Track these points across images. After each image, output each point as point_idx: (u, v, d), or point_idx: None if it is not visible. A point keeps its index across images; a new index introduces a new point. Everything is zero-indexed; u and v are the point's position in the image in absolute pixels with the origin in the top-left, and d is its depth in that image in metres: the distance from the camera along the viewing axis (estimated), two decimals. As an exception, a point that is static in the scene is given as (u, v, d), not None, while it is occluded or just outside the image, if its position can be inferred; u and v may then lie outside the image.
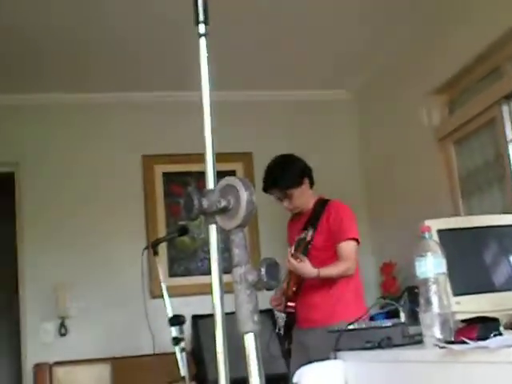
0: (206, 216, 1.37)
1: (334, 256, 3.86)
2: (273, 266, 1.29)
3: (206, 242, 1.42)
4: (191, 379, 4.44)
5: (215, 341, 1.38)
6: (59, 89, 5.55)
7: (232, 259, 1.33)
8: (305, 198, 4.01)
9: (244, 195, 1.29)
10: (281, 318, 4.00)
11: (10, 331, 7.28)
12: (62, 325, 5.37)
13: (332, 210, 3.94)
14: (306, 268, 3.67)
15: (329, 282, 3.85)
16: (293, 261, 3.63)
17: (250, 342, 1.29)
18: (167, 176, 5.69)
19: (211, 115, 1.47)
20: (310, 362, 2.59)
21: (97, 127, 5.71)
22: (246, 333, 1.29)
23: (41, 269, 5.42)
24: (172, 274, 5.52)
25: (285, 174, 3.95)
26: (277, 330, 4.01)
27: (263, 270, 1.28)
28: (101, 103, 5.71)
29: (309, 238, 3.75)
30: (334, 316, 3.73)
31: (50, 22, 4.53)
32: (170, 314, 4.02)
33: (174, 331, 4.00)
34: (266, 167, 4.06)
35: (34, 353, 5.32)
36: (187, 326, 4.74)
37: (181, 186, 5.62)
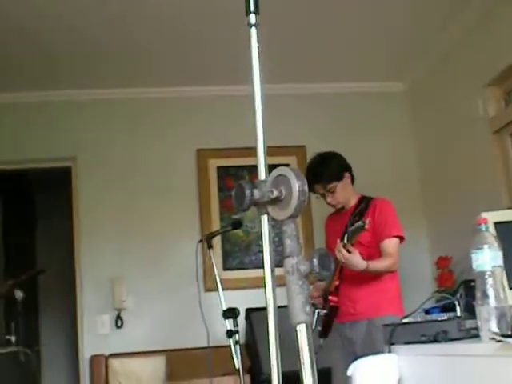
0: (258, 206, 1.37)
1: (377, 253, 3.85)
2: (325, 257, 1.28)
3: (260, 236, 1.42)
4: (245, 372, 4.46)
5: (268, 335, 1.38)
6: (116, 84, 5.63)
7: (284, 250, 1.32)
8: (347, 192, 4.03)
9: (296, 185, 1.29)
10: (318, 316, 3.95)
11: (67, 323, 7.43)
12: (118, 317, 5.44)
13: (377, 207, 3.94)
14: (357, 260, 3.63)
15: (373, 277, 3.86)
16: (344, 251, 3.60)
17: (302, 332, 1.29)
18: (221, 170, 5.71)
19: (263, 108, 1.46)
20: (357, 356, 2.57)
21: (153, 122, 5.77)
22: (299, 323, 1.29)
23: (97, 262, 5.51)
24: (226, 267, 5.55)
25: (326, 169, 3.98)
26: (313, 326, 3.98)
27: (315, 261, 1.27)
28: (156, 98, 5.77)
29: (367, 227, 3.65)
30: (380, 310, 3.73)
31: (109, 21, 4.58)
32: (224, 307, 4.04)
33: (228, 324, 4.02)
34: (306, 167, 4.06)
35: (90, 344, 5.41)
36: (241, 319, 4.76)
37: (235, 180, 5.64)
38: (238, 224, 4.40)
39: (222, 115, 5.73)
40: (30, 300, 7.61)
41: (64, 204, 6.09)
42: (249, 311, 5.09)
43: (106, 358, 5.20)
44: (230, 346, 3.99)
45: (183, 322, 5.26)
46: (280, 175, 1.33)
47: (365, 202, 4.01)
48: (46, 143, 5.67)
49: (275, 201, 1.33)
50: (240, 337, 4.11)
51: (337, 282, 3.82)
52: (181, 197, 5.64)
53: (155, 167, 5.68)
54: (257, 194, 1.33)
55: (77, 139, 5.69)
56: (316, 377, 1.28)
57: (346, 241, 3.66)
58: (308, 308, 1.29)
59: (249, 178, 5.46)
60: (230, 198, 5.65)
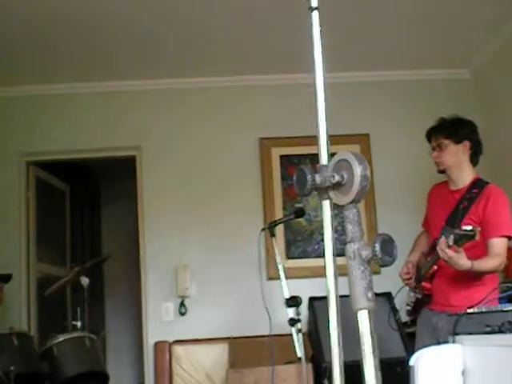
0: (320, 192, 1.36)
1: (482, 249, 3.56)
2: (388, 242, 1.26)
3: (322, 225, 1.41)
4: (308, 361, 4.45)
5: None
6: (181, 74, 5.67)
7: (346, 235, 1.31)
8: (457, 161, 3.76)
9: (358, 170, 1.27)
10: (411, 294, 3.88)
11: (131, 310, 7.56)
12: (182, 304, 5.50)
13: (490, 199, 3.63)
14: (462, 260, 3.37)
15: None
16: (448, 251, 3.34)
17: (363, 319, 1.27)
18: (284, 158, 5.70)
19: (325, 96, 1.45)
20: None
21: (215, 111, 5.79)
22: (360, 310, 1.27)
23: (161, 250, 5.57)
24: (289, 256, 5.54)
25: (451, 125, 3.79)
26: (407, 307, 3.91)
27: (377, 246, 1.25)
28: (220, 87, 5.79)
29: (477, 238, 3.32)
30: (472, 305, 3.55)
31: (169, 11, 4.61)
32: (287, 296, 4.04)
33: (290, 312, 4.01)
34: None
35: (154, 331, 5.48)
36: (304, 308, 4.76)
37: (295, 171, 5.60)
38: (300, 212, 4.39)
39: (285, 104, 5.71)
40: (95, 287, 7.79)
41: (129, 192, 6.18)
42: (312, 300, 5.09)
43: (170, 344, 5.27)
44: (292, 335, 3.99)
45: (246, 310, 5.28)
46: (342, 160, 1.32)
47: (478, 187, 3.72)
48: (112, 133, 5.76)
49: (337, 186, 1.32)
50: (302, 325, 4.12)
51: (435, 267, 3.68)
52: (244, 185, 5.66)
53: (218, 156, 5.70)
54: (318, 178, 1.33)
55: (141, 129, 5.76)
56: (378, 364, 1.27)
57: (451, 242, 3.35)
58: (370, 294, 1.27)
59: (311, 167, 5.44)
60: (292, 186, 5.62)
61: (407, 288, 3.90)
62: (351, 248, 1.29)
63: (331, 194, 1.34)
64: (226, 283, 5.48)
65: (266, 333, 4.37)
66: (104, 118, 5.76)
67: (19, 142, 5.73)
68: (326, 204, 1.38)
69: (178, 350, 5.22)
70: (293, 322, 4.03)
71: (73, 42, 5.00)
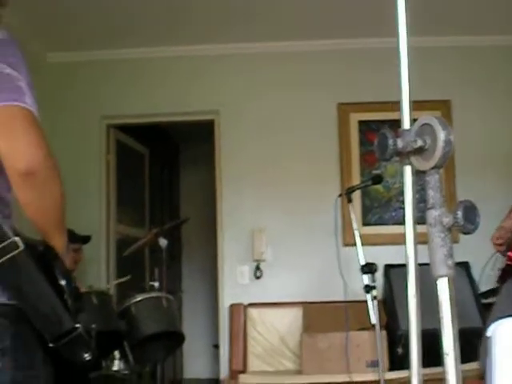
0: (401, 157, 1.34)
1: None
2: (471, 209, 1.23)
3: (401, 192, 1.39)
4: (382, 328, 4.44)
5: (407, 291, 1.35)
6: (259, 38, 5.64)
7: (426, 202, 1.28)
8: None
9: (441, 134, 1.24)
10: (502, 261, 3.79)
11: (208, 272, 7.66)
12: (258, 268, 5.53)
13: None
14: None
15: None
16: None
17: (443, 286, 1.25)
18: (363, 124, 5.63)
19: (408, 61, 1.41)
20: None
21: (294, 75, 5.75)
22: (440, 277, 1.25)
23: (238, 213, 5.62)
24: (365, 222, 5.50)
25: None
26: (498, 271, 3.82)
27: (460, 213, 1.23)
28: (298, 51, 5.74)
29: None
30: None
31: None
32: (363, 262, 4.02)
33: (365, 279, 4.00)
34: None
35: (230, 294, 5.55)
36: (379, 276, 4.73)
37: (376, 135, 5.52)
38: (378, 179, 4.35)
39: (364, 68, 5.62)
40: (173, 248, 7.92)
41: (206, 155, 6.23)
42: (387, 267, 5.06)
43: (245, 307, 5.32)
44: (366, 301, 3.98)
45: (321, 275, 5.28)
46: (425, 124, 1.29)
47: None
48: (191, 97, 5.79)
49: (419, 151, 1.29)
50: (377, 292, 4.10)
51: None
52: (321, 150, 5.62)
53: (296, 121, 5.67)
54: (400, 143, 1.30)
55: (220, 93, 5.77)
56: (456, 333, 1.25)
57: None
58: (450, 262, 1.25)
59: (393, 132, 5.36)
60: (371, 152, 5.57)
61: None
62: (432, 215, 1.26)
63: (413, 159, 1.32)
64: (301, 248, 5.49)
65: (341, 299, 4.38)
66: (183, 82, 5.79)
67: (100, 105, 5.83)
68: (408, 170, 1.36)
69: (253, 312, 5.27)
70: (368, 288, 4.02)
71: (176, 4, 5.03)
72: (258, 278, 5.53)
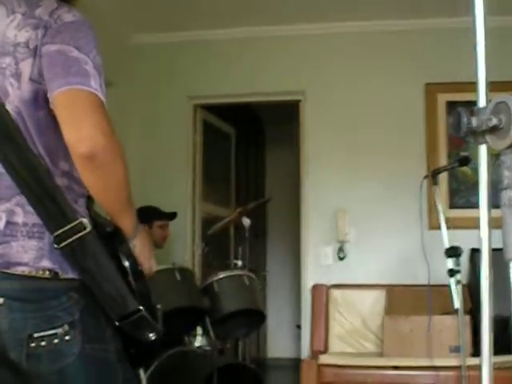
0: (476, 136, 1.31)
1: None
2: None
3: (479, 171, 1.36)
4: (466, 312, 4.35)
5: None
6: (342, 18, 5.58)
7: (501, 182, 1.25)
8: None
9: (517, 113, 1.20)
10: None
11: (292, 251, 7.68)
12: (341, 249, 5.51)
13: None
14: None
15: None
16: None
17: (515, 269, 1.22)
18: (450, 105, 5.50)
19: (485, 40, 1.38)
20: None
21: (380, 56, 5.67)
22: (511, 260, 1.22)
23: (322, 194, 5.60)
24: (452, 205, 5.39)
25: None
26: None
27: (534, 194, 1.19)
28: (385, 31, 5.64)
29: None
30: None
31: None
32: (447, 246, 3.95)
33: (450, 263, 3.94)
34: None
35: (313, 274, 5.55)
36: (465, 260, 4.64)
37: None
38: (465, 161, 4.25)
39: (453, 48, 5.48)
40: (258, 227, 7.99)
41: (292, 135, 6.23)
42: (473, 252, 4.95)
43: (328, 288, 5.31)
44: (450, 286, 3.92)
45: (405, 258, 5.22)
46: (500, 102, 1.25)
47: None
48: (277, 78, 5.79)
49: (494, 129, 1.25)
50: (462, 277, 4.03)
51: None
52: (407, 132, 5.53)
53: (382, 102, 5.59)
54: (474, 121, 1.27)
55: (307, 74, 5.75)
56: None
57: None
58: (524, 244, 1.22)
59: (469, 110, 5.21)
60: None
61: None
62: (506, 195, 1.23)
63: (488, 138, 1.28)
64: (385, 230, 5.43)
65: (425, 282, 4.32)
66: (269, 63, 5.79)
67: (187, 85, 5.89)
68: (483, 149, 1.33)
69: (336, 293, 5.26)
70: (452, 272, 3.96)
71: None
72: (341, 259, 5.51)
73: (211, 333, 4.06)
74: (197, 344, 4.31)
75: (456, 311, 3.99)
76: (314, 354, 4.97)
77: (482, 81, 1.34)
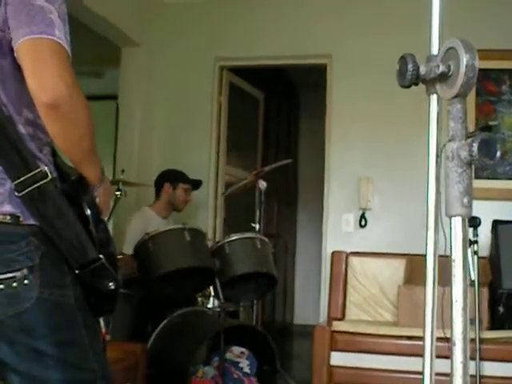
0: (427, 85, 1.23)
1: None
2: (488, 142, 1.12)
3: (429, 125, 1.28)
4: (484, 285, 4.27)
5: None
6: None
7: (446, 133, 1.18)
8: None
9: (463, 59, 1.12)
10: None
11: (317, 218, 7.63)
12: (363, 217, 5.43)
13: None
14: None
15: None
16: None
17: (456, 226, 1.15)
18: (481, 73, 5.21)
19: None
20: None
21: (409, 21, 5.44)
22: (453, 216, 1.15)
23: (346, 161, 5.51)
24: (477, 175, 5.14)
25: None
26: None
27: (475, 146, 1.11)
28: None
29: None
30: None
31: None
32: (466, 215, 3.85)
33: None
34: None
35: (333, 241, 5.49)
36: (487, 231, 4.52)
37: (495, 85, 5.22)
38: (487, 130, 4.14)
39: (483, 12, 5.27)
40: (289, 193, 7.96)
41: (321, 101, 6.13)
42: (496, 223, 4.82)
43: (347, 255, 5.23)
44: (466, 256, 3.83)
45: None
46: (450, 48, 1.17)
47: None
48: (304, 40, 5.67)
49: (443, 77, 1.17)
50: (482, 248, 3.94)
51: None
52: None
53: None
54: (423, 69, 1.19)
55: (333, 37, 5.60)
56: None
57: None
58: (466, 199, 1.14)
59: (510, 83, 5.05)
60: (488, 102, 5.27)
61: None
62: (450, 147, 1.16)
63: (437, 87, 1.20)
64: (407, 199, 5.29)
65: (443, 252, 4.22)
66: (297, 25, 5.67)
67: (213, 46, 5.82)
68: (433, 99, 1.25)
69: (355, 261, 5.17)
70: (469, 242, 3.87)
71: None
72: (362, 226, 5.43)
73: (220, 294, 4.05)
74: (209, 305, 4.32)
75: (472, 282, 3.91)
76: (331, 321, 4.92)
77: (435, 26, 1.25)
